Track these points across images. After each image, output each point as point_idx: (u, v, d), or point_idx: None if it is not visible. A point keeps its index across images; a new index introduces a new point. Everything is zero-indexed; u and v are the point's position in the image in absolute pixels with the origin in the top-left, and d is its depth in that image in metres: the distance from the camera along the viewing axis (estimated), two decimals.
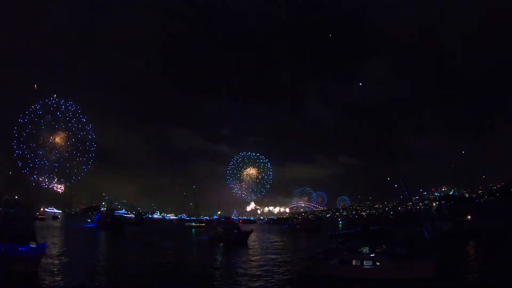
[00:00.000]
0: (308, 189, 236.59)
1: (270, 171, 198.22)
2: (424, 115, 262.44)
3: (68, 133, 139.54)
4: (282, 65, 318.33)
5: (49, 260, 24.45)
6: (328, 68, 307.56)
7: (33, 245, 19.88)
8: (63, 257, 27.13)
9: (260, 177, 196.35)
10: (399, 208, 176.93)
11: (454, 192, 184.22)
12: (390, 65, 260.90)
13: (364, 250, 19.94)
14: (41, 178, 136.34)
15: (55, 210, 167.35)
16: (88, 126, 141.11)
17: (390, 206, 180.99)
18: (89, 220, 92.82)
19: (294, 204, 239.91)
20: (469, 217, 45.67)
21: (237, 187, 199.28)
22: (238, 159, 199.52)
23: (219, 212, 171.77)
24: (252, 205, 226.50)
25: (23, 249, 19.23)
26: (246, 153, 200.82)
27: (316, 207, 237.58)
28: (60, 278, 19.53)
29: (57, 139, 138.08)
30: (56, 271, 21.39)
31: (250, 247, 40.95)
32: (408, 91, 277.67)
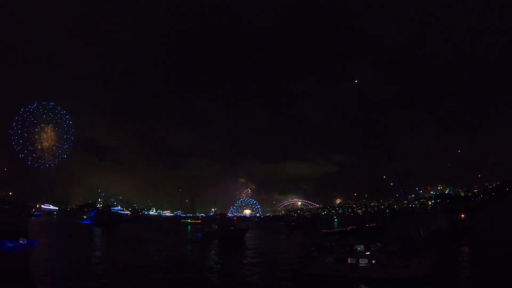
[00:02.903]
0: (303, 187, 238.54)
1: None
2: (421, 114, 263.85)
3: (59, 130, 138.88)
4: (277, 64, 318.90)
5: (41, 257, 24.04)
6: (323, 68, 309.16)
7: (21, 242, 19.51)
8: (56, 254, 26.75)
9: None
10: (395, 206, 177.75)
11: (449, 191, 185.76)
12: (386, 65, 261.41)
13: (359, 248, 19.66)
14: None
15: (51, 207, 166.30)
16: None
17: (386, 204, 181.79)
18: (85, 217, 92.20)
19: (290, 201, 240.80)
20: (462, 216, 45.73)
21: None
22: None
23: (213, 209, 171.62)
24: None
25: (10, 245, 18.87)
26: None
27: (311, 205, 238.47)
28: (50, 275, 19.18)
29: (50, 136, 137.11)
30: (47, 267, 21.03)
31: (245, 244, 40.76)
32: (405, 91, 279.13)
